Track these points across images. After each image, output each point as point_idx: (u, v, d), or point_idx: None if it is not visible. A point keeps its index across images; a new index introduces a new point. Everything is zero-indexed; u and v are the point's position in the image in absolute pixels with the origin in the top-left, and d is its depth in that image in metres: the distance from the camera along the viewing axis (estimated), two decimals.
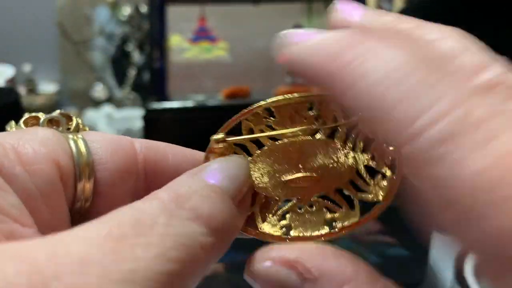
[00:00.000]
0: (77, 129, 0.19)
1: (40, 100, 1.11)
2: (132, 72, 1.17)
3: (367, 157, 0.20)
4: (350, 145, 0.20)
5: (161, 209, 0.14)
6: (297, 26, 0.80)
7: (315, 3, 0.81)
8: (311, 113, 0.21)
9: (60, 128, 0.18)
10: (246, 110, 0.21)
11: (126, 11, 1.17)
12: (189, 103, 0.68)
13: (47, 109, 1.12)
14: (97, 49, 1.19)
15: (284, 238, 0.19)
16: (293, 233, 0.20)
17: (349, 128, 0.20)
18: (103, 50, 1.19)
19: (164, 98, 0.75)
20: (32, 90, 1.13)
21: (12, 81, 1.03)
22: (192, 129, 0.67)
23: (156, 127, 0.67)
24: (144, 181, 0.18)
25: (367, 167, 0.20)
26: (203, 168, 0.17)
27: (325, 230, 0.20)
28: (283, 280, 0.16)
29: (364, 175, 0.20)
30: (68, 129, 0.19)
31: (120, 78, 1.19)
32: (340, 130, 0.20)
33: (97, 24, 1.18)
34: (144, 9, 1.15)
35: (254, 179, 0.20)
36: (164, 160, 0.19)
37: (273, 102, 0.21)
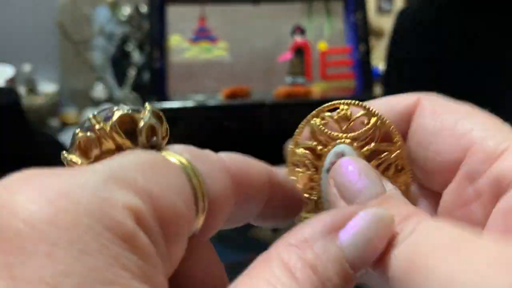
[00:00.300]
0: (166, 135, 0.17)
1: (40, 100, 1.11)
2: (132, 72, 1.17)
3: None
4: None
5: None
6: (297, 26, 0.80)
7: (315, 3, 0.81)
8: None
9: (154, 138, 0.16)
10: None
11: (126, 11, 1.17)
12: (189, 103, 0.67)
13: (47, 109, 1.12)
14: (97, 49, 1.19)
15: None
16: None
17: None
18: (103, 50, 1.19)
19: (164, 98, 0.75)
20: (32, 90, 1.13)
21: (12, 81, 1.03)
22: (192, 129, 0.67)
23: None
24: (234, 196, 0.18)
25: None
26: (341, 224, 0.17)
27: None
28: None
29: None
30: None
31: (120, 78, 1.19)
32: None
33: (97, 24, 1.18)
34: (144, 9, 1.15)
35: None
36: (248, 177, 0.19)
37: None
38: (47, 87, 1.18)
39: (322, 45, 0.79)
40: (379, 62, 1.05)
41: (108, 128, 0.15)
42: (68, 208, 0.12)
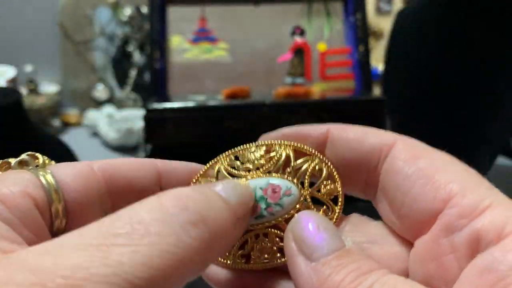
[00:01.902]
0: (44, 165, 0.22)
1: (41, 101, 1.12)
2: (133, 73, 1.18)
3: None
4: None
5: (158, 214, 0.16)
6: (297, 27, 0.80)
7: (315, 4, 0.81)
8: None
9: (30, 167, 0.21)
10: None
11: (127, 11, 1.17)
12: (189, 103, 0.68)
13: (49, 109, 1.12)
14: (98, 50, 1.19)
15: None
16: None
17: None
18: (104, 50, 1.19)
19: (165, 98, 0.75)
20: (33, 91, 1.13)
21: (13, 81, 1.03)
22: (192, 129, 0.67)
23: (157, 127, 0.67)
24: (110, 197, 0.21)
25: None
26: (210, 183, 0.20)
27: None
28: None
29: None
30: (37, 166, 0.22)
31: (121, 78, 1.19)
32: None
33: (98, 24, 1.18)
34: (144, 9, 1.16)
35: None
36: (121, 175, 0.22)
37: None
38: (48, 88, 1.18)
39: (321, 46, 0.79)
40: (378, 63, 1.06)
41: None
42: None
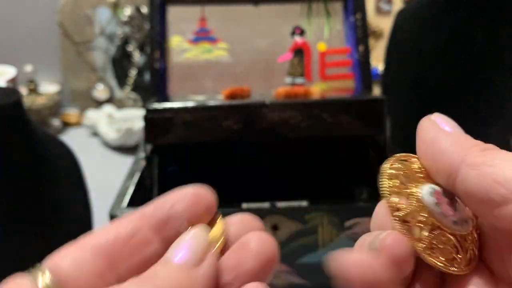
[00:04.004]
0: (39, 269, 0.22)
1: (41, 101, 1.12)
2: (132, 73, 1.18)
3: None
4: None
5: None
6: (297, 27, 0.80)
7: (314, 4, 0.81)
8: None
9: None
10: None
11: (127, 11, 1.17)
12: (189, 103, 0.68)
13: (49, 109, 1.12)
14: (98, 50, 1.19)
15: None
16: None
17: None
18: (104, 50, 1.19)
19: (165, 98, 0.75)
20: (33, 91, 1.13)
21: (13, 81, 1.03)
22: (192, 129, 0.67)
23: (157, 127, 0.67)
24: (109, 268, 0.21)
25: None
26: (168, 252, 0.21)
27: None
28: None
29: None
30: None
31: (121, 78, 1.19)
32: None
33: (98, 24, 1.19)
34: (144, 9, 1.16)
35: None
36: (119, 254, 0.22)
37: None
38: (48, 88, 1.18)
39: (321, 46, 0.79)
40: (378, 63, 1.06)
41: None
42: None
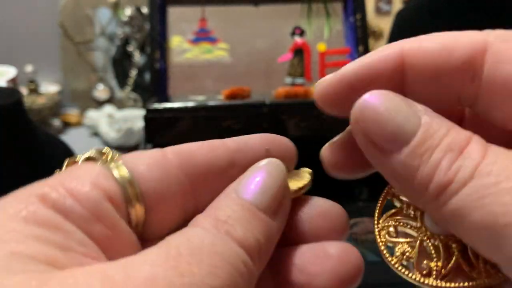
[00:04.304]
0: (112, 160, 0.19)
1: (41, 101, 1.12)
2: (133, 73, 1.18)
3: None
4: None
5: (205, 234, 0.16)
6: (297, 27, 0.80)
7: (314, 4, 0.81)
8: None
9: (98, 163, 0.19)
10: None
11: (127, 12, 1.17)
12: (189, 104, 0.68)
13: (49, 109, 1.12)
14: (99, 50, 1.19)
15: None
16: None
17: None
18: (104, 50, 1.19)
19: (165, 98, 0.75)
20: (34, 91, 1.13)
21: (14, 81, 1.03)
22: (193, 129, 0.67)
23: (157, 127, 0.68)
24: (190, 184, 0.19)
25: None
26: (238, 183, 0.19)
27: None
28: (399, 110, 0.17)
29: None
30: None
31: (121, 78, 1.19)
32: None
33: (99, 25, 1.19)
34: (145, 10, 1.16)
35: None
36: (196, 160, 0.19)
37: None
38: (49, 88, 1.18)
39: (321, 46, 0.79)
40: None
41: None
42: None
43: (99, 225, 0.17)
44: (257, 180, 0.18)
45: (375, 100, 0.17)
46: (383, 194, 0.22)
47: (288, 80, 0.78)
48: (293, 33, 0.80)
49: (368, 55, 0.20)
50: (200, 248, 0.15)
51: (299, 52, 0.79)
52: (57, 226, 0.16)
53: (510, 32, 0.17)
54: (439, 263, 0.19)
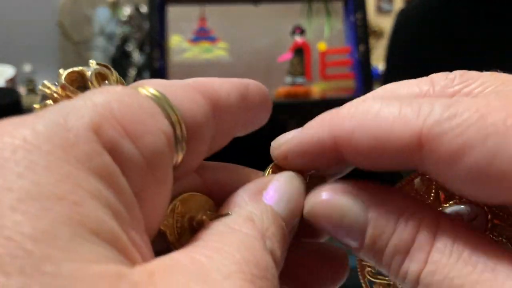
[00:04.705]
0: (119, 81, 0.17)
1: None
2: (132, 72, 1.17)
3: None
4: None
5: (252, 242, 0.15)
6: (297, 26, 0.80)
7: (315, 3, 0.81)
8: None
9: (106, 82, 0.16)
10: None
11: (126, 11, 1.17)
12: None
13: None
14: (97, 49, 1.19)
15: None
16: None
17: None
18: (103, 50, 1.19)
19: None
20: (32, 90, 1.13)
21: (12, 81, 1.03)
22: None
23: None
24: (214, 118, 0.17)
25: None
26: (264, 187, 0.18)
27: None
28: (345, 210, 0.17)
29: None
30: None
31: (120, 78, 1.19)
32: None
33: (98, 24, 1.18)
34: (144, 9, 1.15)
35: None
36: (218, 95, 0.17)
37: None
38: None
39: (321, 45, 0.79)
40: (378, 62, 1.05)
41: (59, 90, 0.15)
42: (34, 137, 0.11)
43: (153, 180, 0.13)
44: (281, 188, 0.18)
45: (324, 204, 0.18)
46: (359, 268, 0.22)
47: (288, 79, 0.78)
48: (293, 32, 0.79)
49: (304, 129, 0.19)
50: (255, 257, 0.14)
51: (299, 51, 0.78)
52: (114, 182, 0.12)
53: (447, 113, 0.15)
54: None
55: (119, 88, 0.14)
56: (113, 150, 0.12)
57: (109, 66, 0.16)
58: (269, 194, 0.17)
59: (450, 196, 0.20)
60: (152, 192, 0.13)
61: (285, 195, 0.18)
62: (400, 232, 0.16)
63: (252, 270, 0.13)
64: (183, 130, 0.15)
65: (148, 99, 0.14)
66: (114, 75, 0.16)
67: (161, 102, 0.14)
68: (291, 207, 0.18)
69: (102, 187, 0.12)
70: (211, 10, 0.80)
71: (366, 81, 0.77)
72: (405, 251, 0.16)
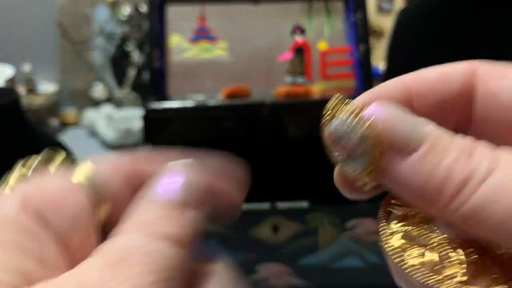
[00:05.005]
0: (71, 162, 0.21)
1: (39, 100, 1.11)
2: (132, 72, 1.17)
3: None
4: None
5: (134, 239, 0.16)
6: (297, 26, 0.79)
7: (315, 3, 0.81)
8: None
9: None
10: None
11: (126, 10, 1.17)
12: (189, 103, 0.67)
13: (47, 109, 1.11)
14: (97, 49, 1.19)
15: None
16: None
17: None
18: (103, 50, 1.19)
19: (164, 98, 0.75)
20: (31, 90, 1.13)
21: (11, 81, 1.03)
22: (192, 128, 0.67)
23: (156, 127, 0.67)
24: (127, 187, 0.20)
25: None
26: (153, 187, 0.19)
27: None
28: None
29: None
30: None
31: (120, 78, 1.18)
32: None
33: (97, 24, 1.18)
34: (143, 8, 1.15)
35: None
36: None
37: None
38: (47, 87, 1.18)
39: (322, 45, 0.79)
40: (379, 62, 1.05)
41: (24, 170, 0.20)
42: None
43: (77, 234, 0.17)
44: (172, 181, 0.19)
45: (381, 110, 0.18)
46: (383, 205, 0.21)
47: (289, 79, 0.78)
48: (293, 32, 0.79)
49: (374, 88, 0.21)
50: (130, 253, 0.16)
51: (299, 51, 0.78)
52: (36, 236, 0.16)
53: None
54: (461, 268, 0.19)
55: (51, 180, 0.18)
56: (38, 214, 0.16)
57: (61, 148, 0.19)
58: (161, 190, 0.18)
59: None
60: (85, 240, 0.17)
61: (181, 184, 0.19)
62: (460, 139, 0.17)
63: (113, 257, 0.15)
64: (103, 193, 0.18)
65: (72, 184, 0.18)
66: (59, 159, 0.20)
67: (87, 183, 0.18)
68: (191, 191, 0.18)
69: (24, 240, 0.16)
70: (210, 10, 0.80)
71: (367, 80, 0.77)
72: (470, 150, 0.16)
